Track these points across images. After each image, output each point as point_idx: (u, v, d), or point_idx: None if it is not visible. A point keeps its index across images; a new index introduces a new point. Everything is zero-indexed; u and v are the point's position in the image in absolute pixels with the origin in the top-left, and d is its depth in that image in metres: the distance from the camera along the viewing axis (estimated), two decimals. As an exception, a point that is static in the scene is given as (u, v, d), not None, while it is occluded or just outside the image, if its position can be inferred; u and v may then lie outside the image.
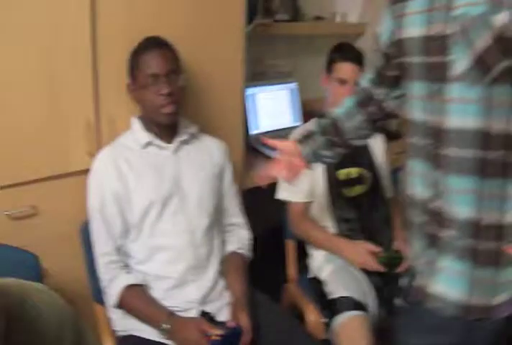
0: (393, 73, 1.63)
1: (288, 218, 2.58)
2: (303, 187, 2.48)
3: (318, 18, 3.54)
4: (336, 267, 2.42)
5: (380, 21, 1.66)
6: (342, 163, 2.49)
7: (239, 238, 2.30)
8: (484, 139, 1.32)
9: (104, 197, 2.00)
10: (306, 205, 2.52)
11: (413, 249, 1.61)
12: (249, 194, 2.58)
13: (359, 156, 2.58)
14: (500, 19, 1.21)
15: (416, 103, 1.46)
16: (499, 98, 1.29)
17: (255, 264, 2.33)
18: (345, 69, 2.50)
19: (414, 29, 1.42)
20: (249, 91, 3.05)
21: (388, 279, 2.37)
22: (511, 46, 1.22)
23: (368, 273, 2.38)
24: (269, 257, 2.70)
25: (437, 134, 1.39)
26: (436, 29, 1.34)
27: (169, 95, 1.97)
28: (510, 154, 1.32)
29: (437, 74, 1.36)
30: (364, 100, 1.81)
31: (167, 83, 1.97)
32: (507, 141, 1.31)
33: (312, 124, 2.58)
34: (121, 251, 2.04)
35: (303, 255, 2.65)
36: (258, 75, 3.35)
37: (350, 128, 1.86)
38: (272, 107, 3.23)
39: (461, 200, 1.38)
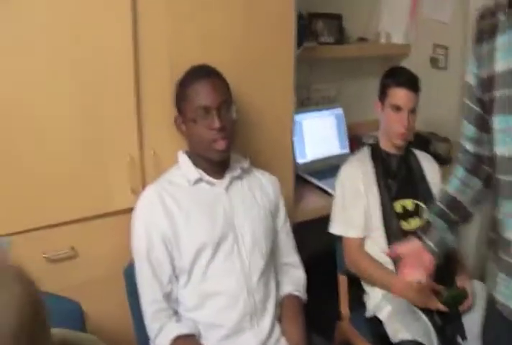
0: None
1: (343, 254, 2.45)
2: (358, 221, 2.36)
3: (363, 39, 3.43)
4: (395, 306, 2.27)
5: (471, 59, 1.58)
6: (398, 194, 2.40)
7: (295, 279, 2.16)
8: None
9: (151, 239, 1.86)
10: (362, 240, 2.40)
11: (507, 289, 1.52)
12: (299, 227, 2.45)
13: (415, 186, 2.47)
14: None
15: (499, 137, 1.42)
16: None
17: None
18: (399, 95, 2.36)
19: (503, 62, 1.39)
20: (296, 118, 2.90)
21: (450, 318, 2.23)
22: None
23: (429, 312, 2.23)
24: (319, 291, 2.55)
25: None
26: None
27: (221, 130, 1.84)
28: None
29: None
30: (474, 164, 1.70)
31: (218, 116, 1.84)
32: None
33: (364, 154, 2.47)
34: (170, 297, 1.90)
35: (354, 290, 2.52)
36: (303, 100, 3.24)
37: (469, 198, 1.75)
38: (319, 134, 3.12)
39: None
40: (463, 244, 3.45)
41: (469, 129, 1.64)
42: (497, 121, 1.42)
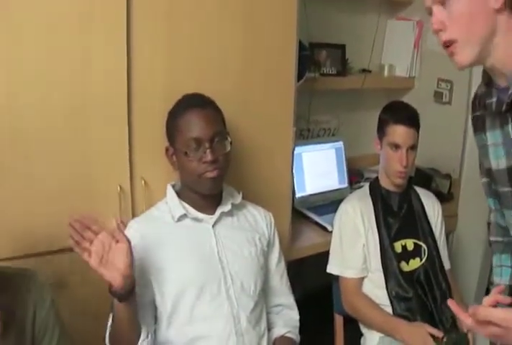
0: None
1: (340, 294, 2.36)
2: (356, 262, 2.29)
3: (365, 71, 3.36)
4: (393, 351, 2.17)
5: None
6: (397, 234, 2.33)
7: (288, 320, 2.07)
8: None
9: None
10: (360, 281, 2.32)
11: None
12: (296, 263, 2.36)
13: (416, 225, 2.40)
14: None
15: None
16: None
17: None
18: (397, 132, 2.29)
19: (497, 160, 1.46)
20: (295, 150, 2.84)
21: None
22: None
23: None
24: (315, 330, 2.46)
25: None
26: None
27: (213, 163, 1.75)
28: None
29: None
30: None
31: (211, 149, 1.75)
32: None
33: (364, 191, 2.39)
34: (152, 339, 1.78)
35: (351, 331, 2.43)
36: (302, 132, 3.19)
37: None
38: (318, 167, 3.05)
39: None
40: (464, 285, 3.37)
41: (494, 206, 1.67)
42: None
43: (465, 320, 1.31)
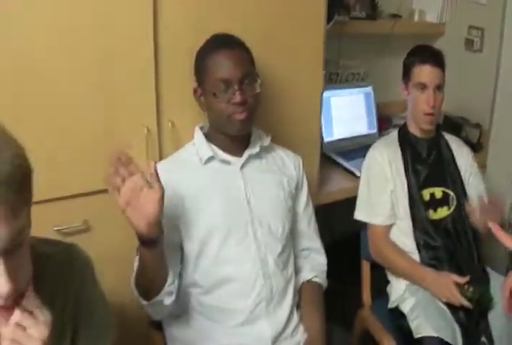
0: None
1: (368, 241, 2.34)
2: (384, 209, 2.27)
3: (395, 16, 3.27)
4: (419, 299, 2.16)
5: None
6: (426, 182, 2.29)
7: (315, 264, 2.05)
8: None
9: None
10: (387, 228, 2.29)
11: None
12: (324, 208, 2.34)
13: (445, 173, 2.35)
14: None
15: None
16: None
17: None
18: (423, 72, 2.26)
19: None
20: (324, 95, 2.79)
21: (475, 316, 2.12)
22: None
23: (453, 308, 2.11)
24: (342, 277, 2.48)
25: None
26: None
27: (242, 105, 1.70)
28: None
29: None
30: None
31: (240, 90, 1.70)
32: None
33: (391, 138, 2.36)
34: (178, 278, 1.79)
35: (378, 278, 2.40)
36: (331, 76, 3.12)
37: None
38: (347, 112, 3.00)
39: None
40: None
41: None
42: None
43: (506, 240, 1.29)
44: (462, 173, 2.38)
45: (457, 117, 3.22)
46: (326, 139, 2.86)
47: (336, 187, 2.53)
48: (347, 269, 2.49)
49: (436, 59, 2.28)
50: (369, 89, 3.11)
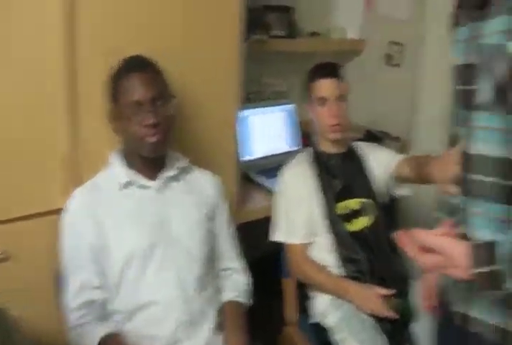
0: None
1: (288, 261, 2.36)
2: (301, 228, 2.28)
3: (315, 34, 3.33)
4: (344, 313, 2.18)
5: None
6: (341, 195, 2.32)
7: (237, 284, 2.06)
8: (506, 167, 1.30)
9: (78, 247, 1.75)
10: (306, 246, 2.31)
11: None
12: (245, 227, 2.35)
13: (359, 184, 2.38)
14: None
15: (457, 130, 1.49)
16: None
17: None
18: (320, 86, 2.29)
19: (456, 57, 1.44)
20: (243, 114, 2.81)
21: (400, 326, 2.16)
22: None
23: (378, 319, 2.14)
24: (266, 295, 2.46)
25: (465, 160, 1.40)
26: (468, 58, 1.37)
27: (155, 127, 1.71)
28: None
29: (466, 102, 1.38)
30: None
31: (152, 113, 1.71)
32: None
33: (303, 156, 2.39)
34: (94, 304, 1.77)
35: (299, 295, 2.42)
36: (253, 95, 3.14)
37: None
38: (268, 130, 3.01)
39: (485, 225, 1.36)
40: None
41: None
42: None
43: (408, 249, 1.32)
44: (379, 176, 2.40)
45: (378, 131, 3.29)
46: (246, 157, 2.86)
47: (257, 205, 2.54)
48: (272, 287, 2.48)
49: (331, 70, 2.31)
50: (291, 107, 3.12)
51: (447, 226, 1.35)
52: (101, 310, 1.78)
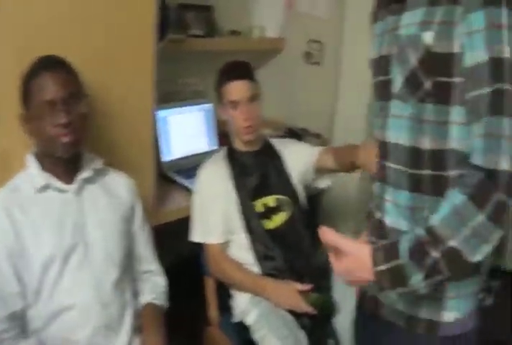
0: None
1: (207, 260, 2.35)
2: (217, 227, 2.29)
3: (235, 32, 3.32)
4: (262, 310, 2.19)
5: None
6: (257, 192, 2.34)
7: (154, 286, 2.05)
8: (414, 156, 1.37)
9: None
10: (224, 246, 2.31)
11: None
12: (166, 228, 2.33)
13: (274, 181, 2.40)
14: (427, 38, 1.28)
15: (374, 121, 1.55)
16: (428, 116, 1.33)
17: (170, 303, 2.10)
18: (231, 89, 2.28)
19: (373, 51, 1.53)
20: (161, 114, 2.80)
21: (321, 321, 2.18)
22: (436, 64, 1.29)
23: (297, 315, 2.16)
24: (184, 296, 2.45)
25: (381, 148, 1.49)
26: (384, 50, 1.45)
27: (67, 126, 1.68)
28: (439, 173, 1.34)
29: (383, 92, 1.46)
30: None
31: (65, 112, 1.67)
32: (435, 160, 1.34)
33: (219, 155, 2.40)
34: (16, 317, 1.72)
35: (221, 294, 2.42)
36: (171, 95, 3.11)
37: None
38: (187, 130, 2.99)
39: (394, 212, 1.44)
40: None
41: None
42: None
43: (328, 248, 1.37)
44: (293, 173, 2.43)
45: (298, 128, 3.32)
46: (166, 158, 2.83)
47: (176, 206, 2.51)
48: (194, 287, 2.48)
49: (240, 71, 2.31)
50: (209, 106, 3.10)
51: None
52: (22, 321, 1.74)
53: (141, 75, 2.19)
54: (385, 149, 1.47)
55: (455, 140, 1.30)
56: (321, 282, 2.28)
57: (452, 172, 1.32)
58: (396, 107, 1.41)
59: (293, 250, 2.31)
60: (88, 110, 1.79)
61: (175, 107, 2.95)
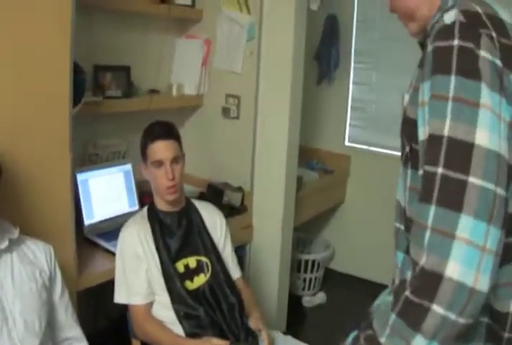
0: None
1: (131, 320, 2.34)
2: (140, 288, 2.29)
3: (154, 91, 3.37)
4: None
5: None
6: (178, 254, 2.36)
7: None
8: (402, 213, 1.38)
9: None
10: (148, 306, 2.31)
11: None
12: (95, 293, 2.31)
13: (196, 242, 2.43)
14: (405, 100, 1.26)
15: None
16: (408, 181, 1.32)
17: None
18: (155, 149, 2.30)
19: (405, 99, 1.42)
20: (81, 177, 2.81)
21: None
22: (409, 129, 1.25)
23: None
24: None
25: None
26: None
27: None
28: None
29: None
30: None
31: None
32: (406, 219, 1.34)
33: (141, 215, 2.42)
34: None
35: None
36: (91, 157, 3.12)
37: None
38: (107, 192, 2.98)
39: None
40: (265, 290, 3.50)
41: None
42: None
43: None
44: (215, 238, 2.48)
45: (219, 183, 3.38)
46: (87, 221, 2.82)
47: (99, 269, 2.50)
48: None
49: (166, 133, 2.33)
50: (128, 166, 3.11)
51: None
52: None
53: (57, 140, 2.20)
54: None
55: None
56: (245, 336, 2.32)
57: None
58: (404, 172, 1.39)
59: (214, 309, 2.34)
60: (3, 180, 1.78)
61: (95, 169, 2.94)
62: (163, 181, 2.30)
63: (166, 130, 2.35)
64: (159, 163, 2.30)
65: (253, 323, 2.35)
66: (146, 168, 2.37)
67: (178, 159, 2.34)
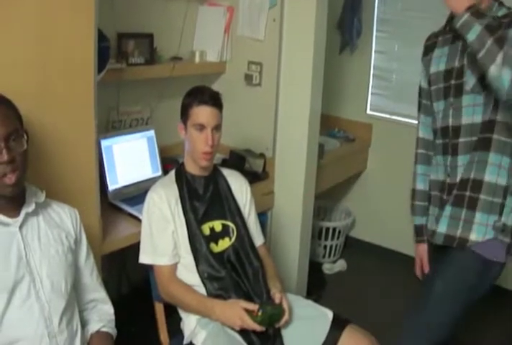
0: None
1: (155, 282, 2.38)
2: (166, 249, 2.32)
3: (176, 58, 3.38)
4: (210, 331, 2.24)
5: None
6: (205, 216, 2.39)
7: (102, 314, 2.07)
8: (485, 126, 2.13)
9: None
10: (173, 268, 2.35)
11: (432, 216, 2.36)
12: (117, 255, 2.35)
13: (222, 206, 2.47)
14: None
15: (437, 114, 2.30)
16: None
17: (123, 327, 2.13)
18: (201, 113, 2.32)
19: (439, 66, 2.25)
20: (105, 143, 2.85)
21: (269, 336, 2.24)
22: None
23: (245, 332, 2.22)
24: (137, 320, 2.49)
25: (451, 130, 2.21)
26: (452, 64, 2.19)
27: (10, 163, 1.69)
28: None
29: (456, 91, 2.16)
30: (430, 147, 2.42)
31: (7, 149, 1.68)
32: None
33: (169, 178, 2.44)
34: None
35: (176, 317, 2.44)
36: (114, 123, 3.16)
37: None
38: (130, 158, 3.02)
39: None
40: (286, 256, 3.54)
41: (427, 120, 2.41)
42: (435, 106, 2.29)
43: None
44: (240, 205, 2.52)
45: (242, 150, 3.40)
46: (112, 186, 2.87)
47: (123, 234, 2.54)
48: (148, 313, 2.52)
49: (214, 100, 2.34)
50: (151, 133, 3.14)
51: None
52: None
53: (82, 106, 2.22)
54: (456, 131, 2.17)
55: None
56: (267, 300, 2.34)
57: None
58: (470, 99, 2.11)
59: (238, 272, 2.38)
60: (27, 146, 1.79)
61: (119, 135, 2.98)
62: (201, 146, 2.32)
63: (215, 97, 2.37)
64: (201, 127, 2.31)
65: (276, 298, 2.33)
66: (185, 128, 2.39)
67: (219, 127, 2.37)
